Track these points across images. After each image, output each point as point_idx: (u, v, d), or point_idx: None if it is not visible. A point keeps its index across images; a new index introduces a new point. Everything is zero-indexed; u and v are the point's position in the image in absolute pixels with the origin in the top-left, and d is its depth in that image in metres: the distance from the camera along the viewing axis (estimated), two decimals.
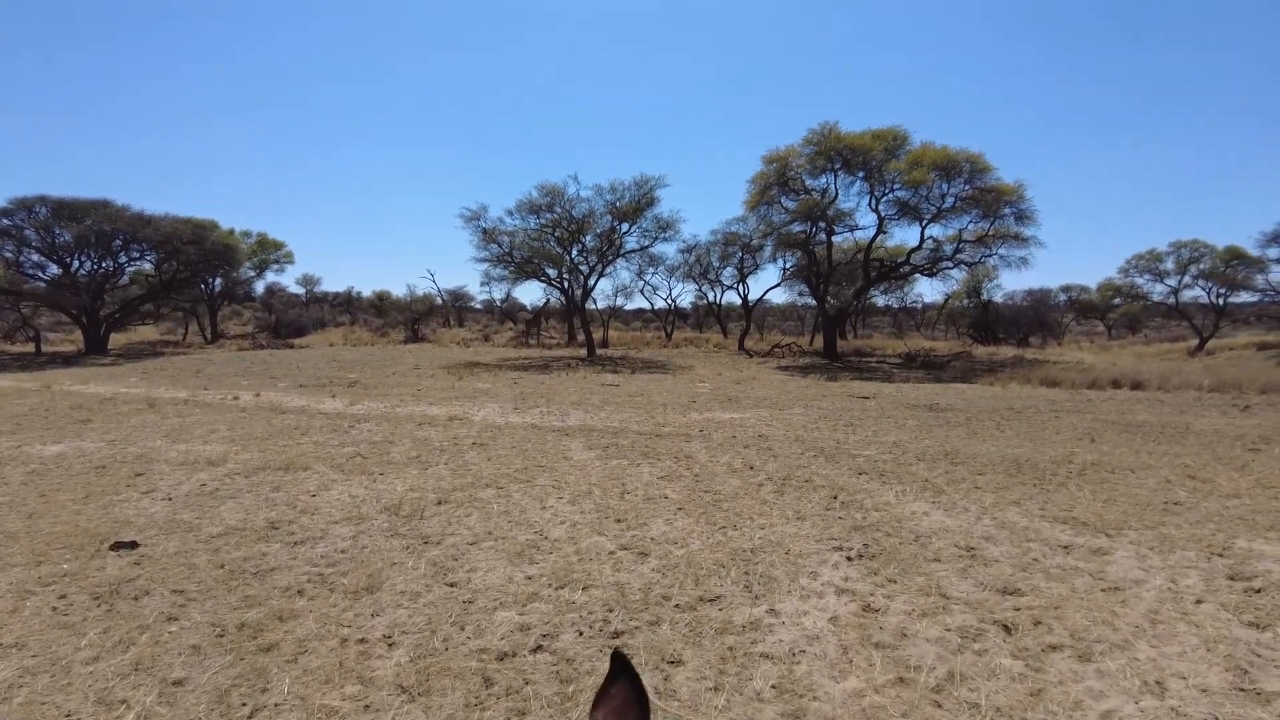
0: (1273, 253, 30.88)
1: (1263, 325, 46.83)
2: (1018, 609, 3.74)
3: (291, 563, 4.58)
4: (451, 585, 4.16)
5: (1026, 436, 9.68)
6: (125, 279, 32.78)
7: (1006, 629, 3.50)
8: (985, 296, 40.92)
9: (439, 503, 5.96)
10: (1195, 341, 33.83)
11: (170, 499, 6.16)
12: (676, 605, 3.83)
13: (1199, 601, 3.81)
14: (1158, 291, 36.97)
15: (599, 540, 4.96)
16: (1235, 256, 33.29)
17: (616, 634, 3.50)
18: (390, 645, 3.43)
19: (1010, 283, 73.06)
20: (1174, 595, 3.90)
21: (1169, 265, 35.44)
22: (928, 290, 64.76)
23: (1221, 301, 34.41)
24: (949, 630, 3.50)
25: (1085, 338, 48.27)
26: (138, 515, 5.64)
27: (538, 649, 3.36)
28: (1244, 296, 34.82)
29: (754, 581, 4.16)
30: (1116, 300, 43.36)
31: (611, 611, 3.76)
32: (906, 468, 7.46)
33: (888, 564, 4.42)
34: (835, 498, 6.15)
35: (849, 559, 4.55)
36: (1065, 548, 4.75)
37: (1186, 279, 34.97)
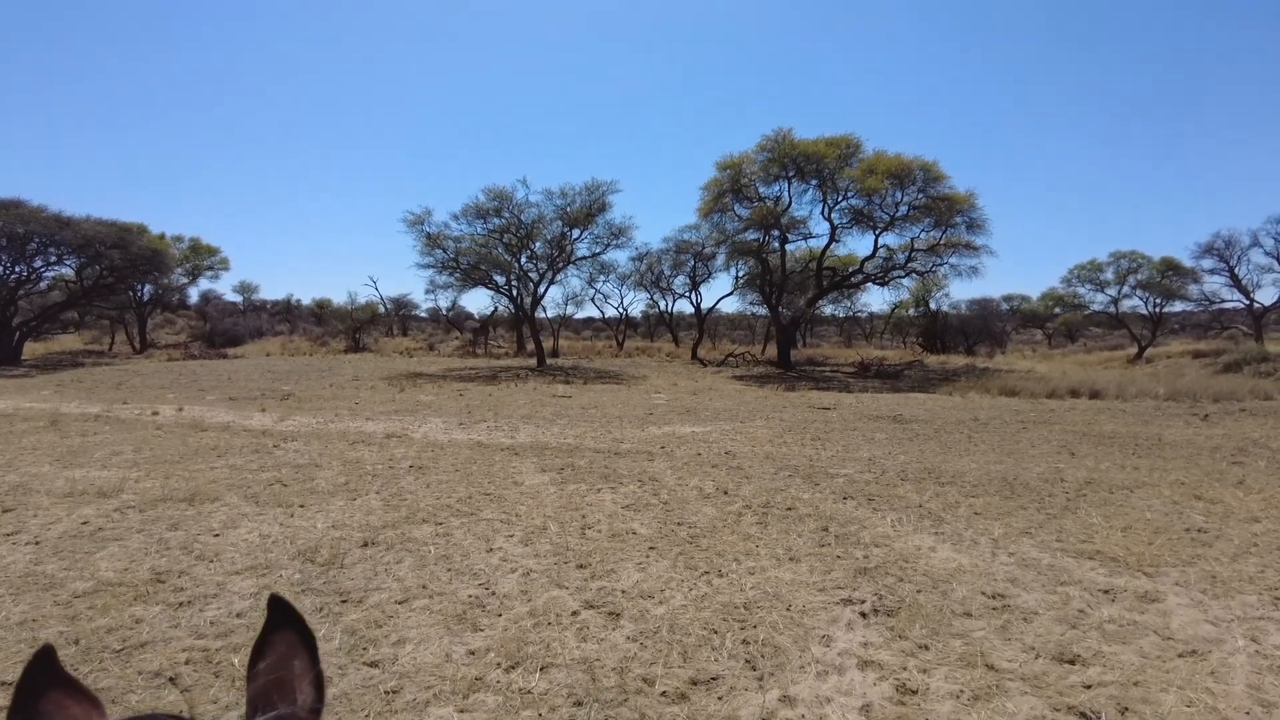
0: (1206, 263, 31.60)
1: (1190, 334, 48.24)
2: (1089, 686, 2.97)
3: (170, 634, 3.57)
4: (372, 665, 3.22)
5: (1003, 451, 9.12)
6: (44, 284, 30.54)
7: None
8: (935, 306, 41.11)
9: (365, 544, 4.97)
10: (1134, 350, 34.40)
11: (37, 543, 5.04)
12: (663, 693, 2.95)
13: None
14: (1098, 301, 37.61)
15: (558, 595, 4.05)
16: (1170, 267, 34.00)
17: None
18: None
19: (957, 292, 74.38)
20: (1270, 663, 3.18)
21: (1109, 275, 36.05)
22: (876, 299, 65.37)
23: (1158, 311, 35.08)
24: None
25: (1026, 346, 49.05)
26: None
27: None
28: (1178, 306, 35.59)
29: (756, 653, 3.31)
30: (1057, 310, 44.08)
31: (580, 705, 2.86)
32: (892, 489, 6.74)
33: (911, 622, 3.62)
34: (826, 530, 5.35)
35: (863, 615, 3.74)
36: (1106, 593, 4.03)
37: (1125, 289, 35.60)
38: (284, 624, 0.80)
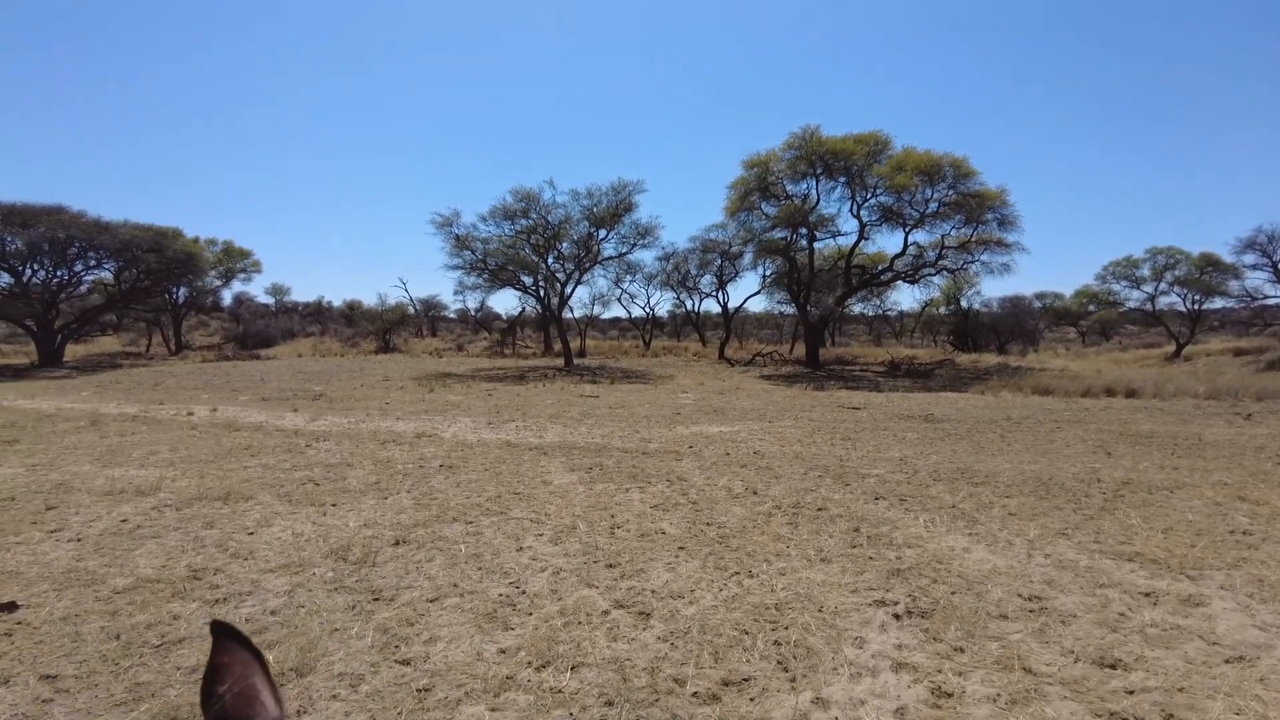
0: (1248, 259, 30.79)
1: (1230, 331, 47.13)
2: (1131, 692, 2.90)
3: (207, 630, 3.62)
4: (404, 663, 3.24)
5: (1037, 450, 8.96)
6: (84, 288, 31.29)
7: None
8: (966, 304, 40.58)
9: (396, 543, 5.01)
10: (1171, 348, 33.67)
11: (79, 540, 5.16)
12: (695, 694, 2.94)
13: None
14: (1134, 298, 36.82)
15: (588, 594, 4.05)
16: (1209, 263, 33.19)
17: None
18: None
19: (989, 289, 73.47)
20: None
21: (1145, 272, 35.29)
22: (906, 298, 64.91)
23: (1197, 307, 34.28)
24: None
25: (1060, 344, 48.28)
26: (32, 563, 4.64)
27: None
28: (1218, 302, 34.72)
29: (788, 654, 3.28)
30: (1092, 307, 43.28)
31: (611, 705, 2.86)
32: (924, 490, 6.65)
33: (946, 624, 3.57)
34: (858, 530, 5.30)
35: (896, 617, 3.69)
36: (1148, 595, 3.94)
37: (1162, 285, 34.84)
38: (232, 647, 0.80)
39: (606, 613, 3.78)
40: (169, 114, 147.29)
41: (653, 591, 4.08)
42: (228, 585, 4.24)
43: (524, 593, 4.07)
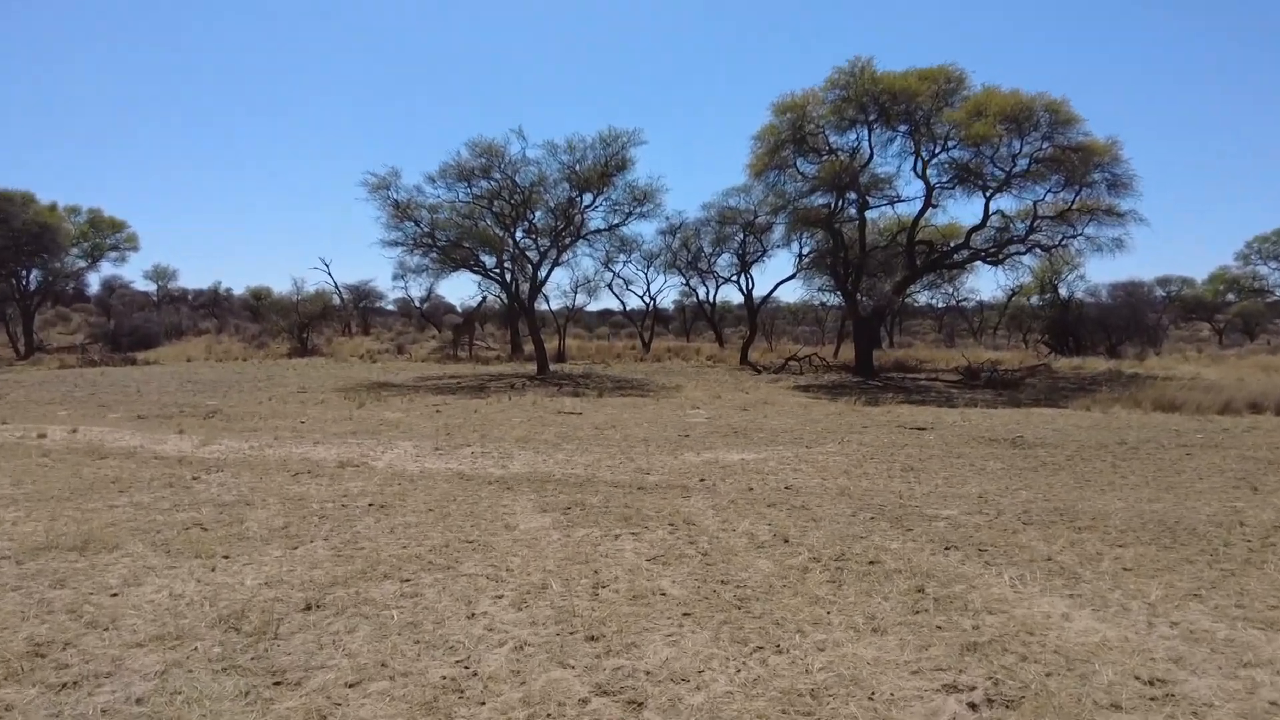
0: None
1: None
2: None
3: None
4: None
5: (1160, 485, 8.98)
6: None
7: None
8: (1066, 293, 40.69)
9: (307, 608, 4.98)
10: None
11: None
12: None
13: None
14: None
15: (561, 676, 4.00)
16: None
17: None
18: None
19: (1095, 273, 73.82)
20: None
21: None
22: (987, 284, 65.21)
23: None
24: None
25: (1190, 344, 48.39)
26: None
27: None
28: None
29: None
30: (1231, 296, 43.40)
31: None
32: (1012, 536, 6.65)
33: (1039, 717, 3.53)
34: (922, 590, 5.28)
35: (973, 707, 3.64)
36: None
37: None
38: None
39: (585, 701, 3.74)
40: (19, 53, 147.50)
41: (647, 673, 4.04)
42: (80, 664, 4.19)
43: (475, 675, 4.03)
